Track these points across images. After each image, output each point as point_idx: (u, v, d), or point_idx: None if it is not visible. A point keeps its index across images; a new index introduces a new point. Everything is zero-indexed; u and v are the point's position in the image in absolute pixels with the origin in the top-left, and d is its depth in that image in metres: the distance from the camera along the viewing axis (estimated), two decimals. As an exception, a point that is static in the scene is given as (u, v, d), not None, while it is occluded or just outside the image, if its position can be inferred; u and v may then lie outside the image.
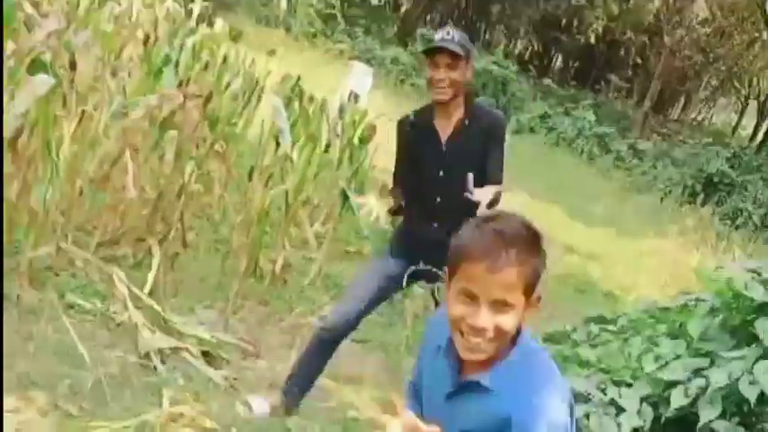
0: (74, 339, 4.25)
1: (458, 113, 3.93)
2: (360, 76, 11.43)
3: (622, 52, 39.29)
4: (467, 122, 3.92)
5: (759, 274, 3.18)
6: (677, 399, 2.91)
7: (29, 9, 5.22)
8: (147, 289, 4.93)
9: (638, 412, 2.88)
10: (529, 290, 1.90)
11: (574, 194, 13.74)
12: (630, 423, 2.81)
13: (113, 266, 4.99)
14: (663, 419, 2.98)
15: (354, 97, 7.70)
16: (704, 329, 3.17)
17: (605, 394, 2.89)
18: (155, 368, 4.34)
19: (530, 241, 1.90)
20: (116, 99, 5.26)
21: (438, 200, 3.96)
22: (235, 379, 4.48)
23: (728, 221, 15.32)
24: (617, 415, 2.85)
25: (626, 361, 3.19)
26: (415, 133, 4.03)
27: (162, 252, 5.22)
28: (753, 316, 3.10)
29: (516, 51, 39.68)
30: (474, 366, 1.98)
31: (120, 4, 8.43)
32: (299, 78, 7.33)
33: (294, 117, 6.99)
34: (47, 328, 4.35)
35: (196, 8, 10.41)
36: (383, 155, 6.93)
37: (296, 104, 6.95)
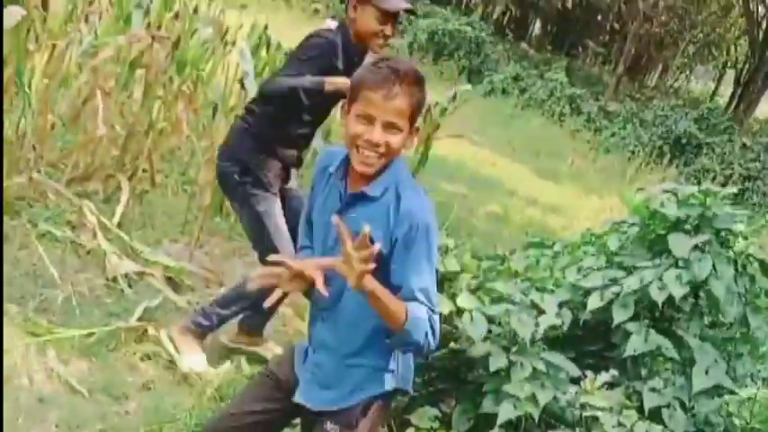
0: (45, 263, 4.52)
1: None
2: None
3: (599, 17, 39.50)
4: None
5: (675, 195, 3.46)
6: (593, 302, 3.19)
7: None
8: (115, 221, 5.18)
9: (557, 315, 3.16)
10: (413, 119, 2.38)
11: (542, 153, 14.02)
12: (548, 322, 3.08)
13: (84, 200, 5.22)
14: (581, 322, 3.28)
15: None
16: (622, 244, 3.46)
17: (527, 296, 3.17)
18: (122, 291, 4.60)
19: (417, 79, 2.36)
20: (86, 39, 5.47)
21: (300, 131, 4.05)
22: (197, 303, 4.73)
23: (695, 181, 15.64)
24: (537, 317, 3.13)
25: (551, 273, 3.48)
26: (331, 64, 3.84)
27: (131, 188, 5.46)
28: (667, 231, 3.40)
29: (494, 16, 39.80)
30: (358, 184, 2.42)
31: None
32: (266, 27, 7.54)
33: (262, 64, 7.21)
34: (19, 253, 4.60)
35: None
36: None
37: (263, 52, 7.15)
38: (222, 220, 5.97)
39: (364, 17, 3.75)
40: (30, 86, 4.65)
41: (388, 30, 3.76)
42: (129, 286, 4.67)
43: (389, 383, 2.46)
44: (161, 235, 5.45)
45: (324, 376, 2.48)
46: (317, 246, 2.52)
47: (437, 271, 2.89)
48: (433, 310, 2.30)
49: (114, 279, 4.67)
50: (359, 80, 2.37)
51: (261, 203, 3.94)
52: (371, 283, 2.20)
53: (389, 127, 2.33)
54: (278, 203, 3.98)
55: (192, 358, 4.07)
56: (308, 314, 2.61)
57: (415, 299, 2.29)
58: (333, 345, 2.47)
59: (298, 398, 2.50)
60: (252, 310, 4.20)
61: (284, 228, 3.94)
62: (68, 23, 5.69)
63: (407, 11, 3.82)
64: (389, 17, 3.74)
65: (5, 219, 4.82)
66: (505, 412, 2.86)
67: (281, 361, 2.66)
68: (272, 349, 4.37)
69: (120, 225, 5.18)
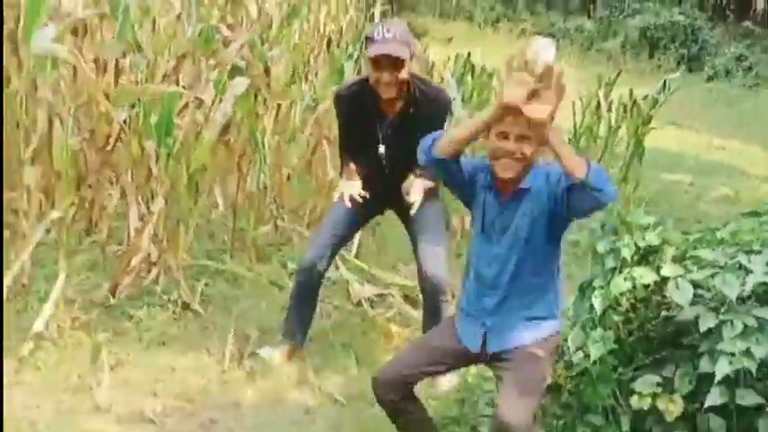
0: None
1: (402, 101, 4.03)
2: (539, 47, 11.82)
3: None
4: (411, 111, 4.04)
5: None
6: (801, 257, 3.24)
7: (225, 32, 6.15)
8: (353, 252, 5.72)
9: (766, 273, 3.23)
10: None
11: (774, 130, 13.47)
12: (755, 280, 3.17)
13: (323, 239, 5.80)
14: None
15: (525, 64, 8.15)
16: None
17: (733, 259, 3.27)
18: (365, 312, 5.09)
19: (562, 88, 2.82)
20: (307, 95, 6.09)
21: (386, 170, 4.20)
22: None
23: None
24: (745, 277, 3.22)
25: (757, 234, 3.54)
26: (358, 111, 4.10)
27: (363, 222, 5.98)
28: None
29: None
30: (506, 189, 3.11)
31: (308, 21, 9.42)
32: (469, 54, 7.93)
33: (470, 89, 7.60)
34: (276, 292, 5.20)
35: (377, 11, 11.22)
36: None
37: (468, 78, 7.54)
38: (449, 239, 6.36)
39: (368, 68, 3.98)
40: (263, 145, 5.27)
41: (384, 77, 3.88)
42: (372, 308, 5.16)
43: (557, 326, 3.23)
44: (395, 260, 5.92)
45: (509, 328, 3.17)
46: (484, 246, 3.21)
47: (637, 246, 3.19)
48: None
49: (359, 303, 5.18)
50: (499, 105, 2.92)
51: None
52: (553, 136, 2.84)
53: (521, 138, 2.97)
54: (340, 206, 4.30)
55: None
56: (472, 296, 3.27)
57: None
58: (498, 305, 3.18)
59: (491, 348, 3.18)
60: None
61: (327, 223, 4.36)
62: (291, 84, 6.30)
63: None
64: (382, 65, 3.86)
65: (259, 265, 5.48)
66: (722, 369, 2.99)
67: (441, 335, 3.36)
68: None
69: (357, 256, 5.71)
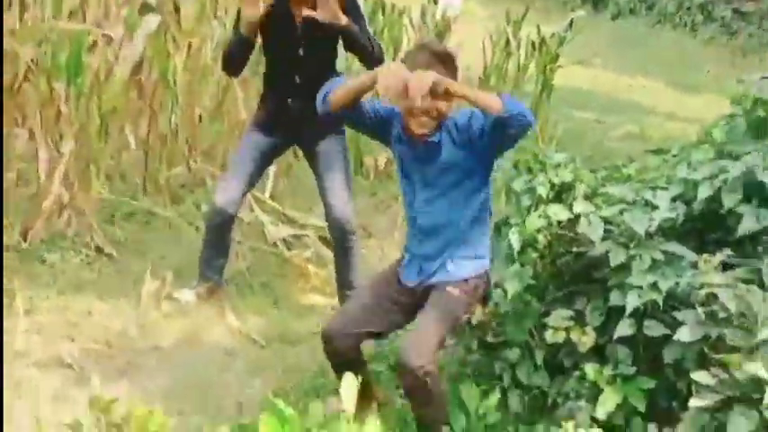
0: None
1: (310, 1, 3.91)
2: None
3: None
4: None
5: (775, 80, 3.60)
6: (703, 192, 3.37)
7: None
8: (267, 194, 5.70)
9: (671, 208, 3.37)
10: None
11: (678, 67, 13.76)
12: (662, 216, 3.30)
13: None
14: (697, 214, 3.47)
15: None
16: (730, 135, 3.63)
17: (640, 195, 3.40)
18: (282, 253, 5.10)
19: (448, 56, 3.10)
20: (217, 32, 5.99)
21: (297, 80, 4.06)
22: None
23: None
24: (651, 212, 3.34)
25: (662, 171, 3.69)
26: (270, 12, 3.94)
27: (277, 163, 5.95)
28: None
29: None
30: (420, 137, 3.12)
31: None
32: (380, -9, 7.87)
33: (381, 27, 7.56)
34: (189, 234, 5.17)
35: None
36: (467, 52, 7.47)
37: (380, 16, 7.51)
38: (363, 178, 6.40)
39: None
40: (174, 84, 5.19)
41: None
42: (288, 249, 5.18)
43: (483, 265, 3.27)
44: (310, 201, 5.91)
45: (441, 267, 3.26)
46: (410, 193, 3.28)
47: (552, 184, 3.28)
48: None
49: (275, 244, 5.19)
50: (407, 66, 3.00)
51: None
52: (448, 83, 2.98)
53: (437, 97, 2.99)
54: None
55: None
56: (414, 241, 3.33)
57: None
58: (438, 251, 3.24)
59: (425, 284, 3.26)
60: None
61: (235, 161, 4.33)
62: (201, 23, 6.18)
63: None
64: None
65: (173, 207, 5.42)
66: (631, 302, 3.12)
67: (388, 280, 3.37)
68: None
69: (272, 197, 5.70)
